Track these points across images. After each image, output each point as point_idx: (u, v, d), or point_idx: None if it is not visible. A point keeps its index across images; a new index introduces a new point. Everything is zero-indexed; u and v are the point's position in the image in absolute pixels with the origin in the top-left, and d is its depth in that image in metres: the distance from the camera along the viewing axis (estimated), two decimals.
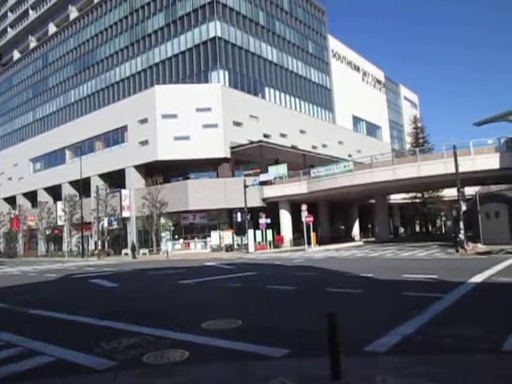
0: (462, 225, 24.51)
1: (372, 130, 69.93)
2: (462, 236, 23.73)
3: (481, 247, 24.27)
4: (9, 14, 78.37)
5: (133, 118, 42.79)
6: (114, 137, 45.58)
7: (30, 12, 72.60)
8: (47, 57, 65.94)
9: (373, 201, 48.87)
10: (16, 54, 75.83)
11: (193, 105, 40.59)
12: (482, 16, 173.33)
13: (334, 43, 63.71)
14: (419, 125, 58.13)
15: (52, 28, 67.59)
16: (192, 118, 40.18)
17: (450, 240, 29.59)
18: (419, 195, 53.06)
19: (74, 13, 63.57)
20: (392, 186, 36.37)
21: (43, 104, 65.29)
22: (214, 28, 44.22)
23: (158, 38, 49.38)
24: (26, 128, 68.09)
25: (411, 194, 52.76)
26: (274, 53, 50.89)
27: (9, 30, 78.08)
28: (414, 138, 56.53)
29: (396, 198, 53.00)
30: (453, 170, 25.53)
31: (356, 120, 65.37)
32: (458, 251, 22.55)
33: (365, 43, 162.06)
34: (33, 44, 71.57)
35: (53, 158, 54.09)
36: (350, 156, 53.39)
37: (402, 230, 58.93)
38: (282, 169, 39.94)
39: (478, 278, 11.82)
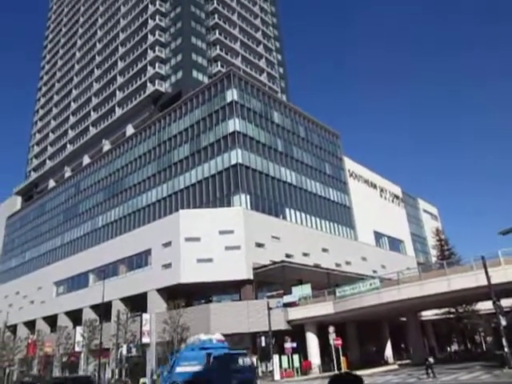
0: (504, 341, 22.82)
1: (395, 244, 69.41)
2: (507, 354, 21.93)
3: None
4: (48, 147, 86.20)
5: (157, 242, 43.76)
6: (138, 260, 46.20)
7: (68, 146, 79.72)
8: (79, 185, 69.94)
9: (404, 318, 46.46)
10: (51, 183, 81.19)
11: (215, 228, 41.59)
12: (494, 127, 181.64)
13: (349, 164, 66.66)
14: (442, 237, 57.37)
15: (86, 159, 73.28)
16: (215, 240, 40.89)
17: (493, 359, 27.27)
18: (452, 310, 50.30)
19: (107, 146, 69.40)
20: (422, 302, 34.70)
21: (72, 229, 67.34)
22: (236, 156, 46.99)
23: (184, 166, 52.60)
24: (53, 252, 69.42)
25: (443, 310, 50.09)
26: (292, 176, 53.20)
27: (47, 161, 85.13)
28: (439, 250, 55.46)
29: (427, 314, 50.32)
30: (484, 282, 24.59)
31: (378, 235, 65.31)
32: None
33: (380, 160, 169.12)
34: (67, 174, 76.88)
35: (76, 282, 54.49)
36: (374, 272, 52.27)
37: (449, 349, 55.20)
38: (305, 289, 39.00)
39: None
